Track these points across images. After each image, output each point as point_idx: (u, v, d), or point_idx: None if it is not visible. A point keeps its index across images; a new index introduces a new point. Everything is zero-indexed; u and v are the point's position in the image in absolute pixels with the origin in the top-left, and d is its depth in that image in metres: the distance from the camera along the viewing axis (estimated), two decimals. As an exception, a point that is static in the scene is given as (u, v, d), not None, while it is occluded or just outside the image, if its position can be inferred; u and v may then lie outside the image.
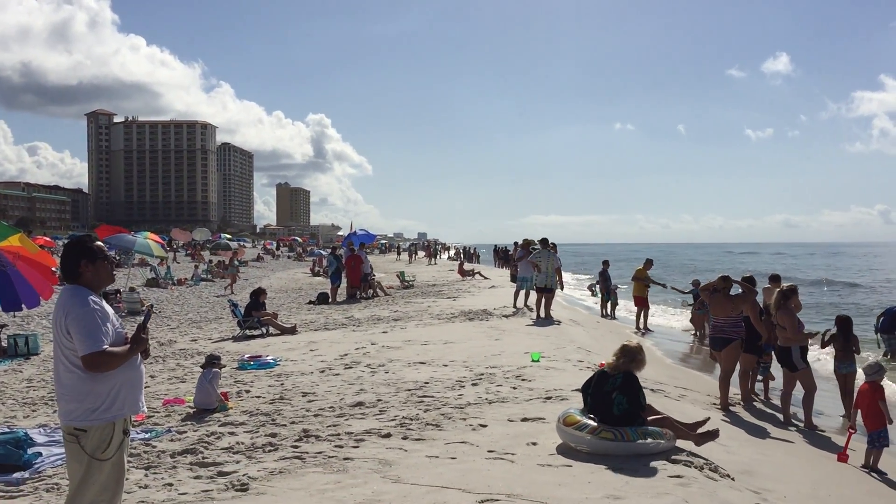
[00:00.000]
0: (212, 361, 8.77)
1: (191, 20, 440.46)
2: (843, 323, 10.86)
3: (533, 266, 17.36)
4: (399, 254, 74.66)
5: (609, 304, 23.07)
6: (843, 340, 10.73)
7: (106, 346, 3.87)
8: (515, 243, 24.95)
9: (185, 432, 7.41)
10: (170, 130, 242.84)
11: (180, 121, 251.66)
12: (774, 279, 12.03)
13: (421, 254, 70.26)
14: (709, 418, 6.90)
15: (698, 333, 19.20)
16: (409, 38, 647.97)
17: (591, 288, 33.25)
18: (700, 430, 6.62)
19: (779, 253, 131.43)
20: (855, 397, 8.49)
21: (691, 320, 20.05)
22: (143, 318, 4.20)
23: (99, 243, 4.21)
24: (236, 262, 34.18)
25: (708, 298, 10.17)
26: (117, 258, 37.50)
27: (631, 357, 6.56)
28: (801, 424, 9.44)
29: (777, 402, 10.75)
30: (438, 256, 65.32)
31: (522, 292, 18.79)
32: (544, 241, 17.64)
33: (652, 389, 9.61)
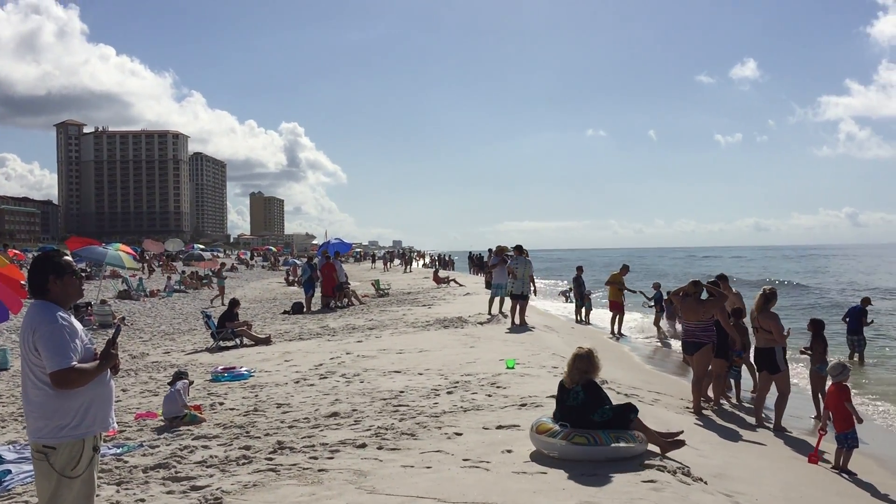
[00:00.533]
0: (179, 376, 8.78)
1: (162, 29, 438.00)
2: (817, 325, 11.17)
3: (510, 273, 17.42)
4: (374, 262, 74.55)
5: (584, 310, 23.18)
6: (820, 342, 11.03)
7: (75, 363, 3.83)
8: (490, 250, 25.02)
9: (158, 446, 7.34)
10: (141, 140, 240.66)
11: (151, 130, 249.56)
12: (722, 279, 12.17)
13: (396, 262, 70.21)
14: (682, 431, 6.93)
15: (658, 335, 19.72)
16: (382, 47, 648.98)
17: (564, 294, 33.40)
18: (668, 438, 6.67)
19: (737, 256, 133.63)
20: (824, 399, 8.64)
21: (655, 322, 20.49)
22: (112, 333, 4.16)
23: (67, 258, 4.17)
24: (223, 275, 33.82)
25: (679, 303, 10.28)
26: (88, 270, 37.10)
27: (584, 365, 6.60)
28: (772, 426, 9.55)
29: (748, 404, 10.89)
30: (413, 264, 65.26)
31: (497, 299, 18.83)
32: (519, 248, 17.72)
33: (626, 394, 9.69)
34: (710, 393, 10.53)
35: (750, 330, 10.93)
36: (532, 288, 17.43)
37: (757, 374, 10.06)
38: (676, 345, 18.14)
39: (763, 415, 9.89)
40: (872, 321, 16.38)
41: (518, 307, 16.76)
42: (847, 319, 16.17)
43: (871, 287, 42.32)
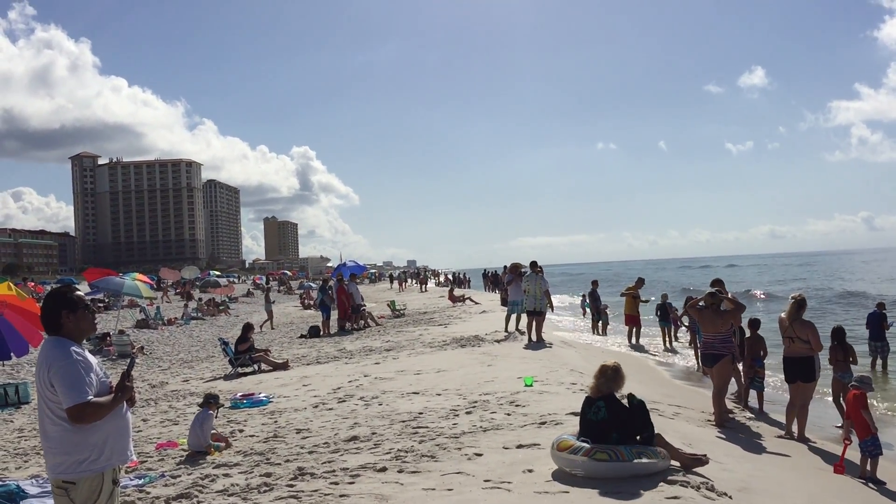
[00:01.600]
0: (208, 401, 8.76)
1: (172, 59, 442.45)
2: (839, 333, 11.10)
3: (522, 290, 17.40)
4: (392, 282, 74.52)
5: (600, 324, 23.08)
6: (842, 351, 10.95)
7: (90, 397, 3.84)
8: (505, 267, 24.99)
9: (179, 476, 7.34)
10: (155, 170, 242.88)
11: (165, 160, 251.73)
12: (717, 284, 12.05)
13: (411, 281, 70.19)
14: (705, 455, 6.77)
15: (667, 345, 19.79)
16: (390, 67, 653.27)
17: (582, 306, 33.26)
18: (690, 455, 6.58)
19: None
20: (847, 407, 8.54)
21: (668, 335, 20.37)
22: (127, 365, 4.17)
23: (79, 293, 4.19)
24: (271, 299, 34.03)
25: (697, 315, 10.19)
26: (106, 300, 37.36)
27: (609, 377, 6.59)
28: (795, 437, 9.43)
29: (773, 415, 10.78)
30: (429, 283, 65.23)
31: (514, 316, 18.78)
32: (533, 264, 17.68)
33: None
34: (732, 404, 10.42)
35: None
36: (548, 303, 17.35)
37: (789, 384, 9.84)
38: (686, 355, 18.05)
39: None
40: (893, 324, 16.17)
41: (534, 323, 16.71)
42: (868, 326, 16.00)
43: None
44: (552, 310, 17.56)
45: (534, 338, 16.56)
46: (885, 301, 17.50)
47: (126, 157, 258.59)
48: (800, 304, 9.53)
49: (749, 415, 10.91)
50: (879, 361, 15.67)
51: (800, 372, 9.44)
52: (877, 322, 15.74)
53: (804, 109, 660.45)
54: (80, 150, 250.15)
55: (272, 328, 29.25)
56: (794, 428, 9.53)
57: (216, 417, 8.92)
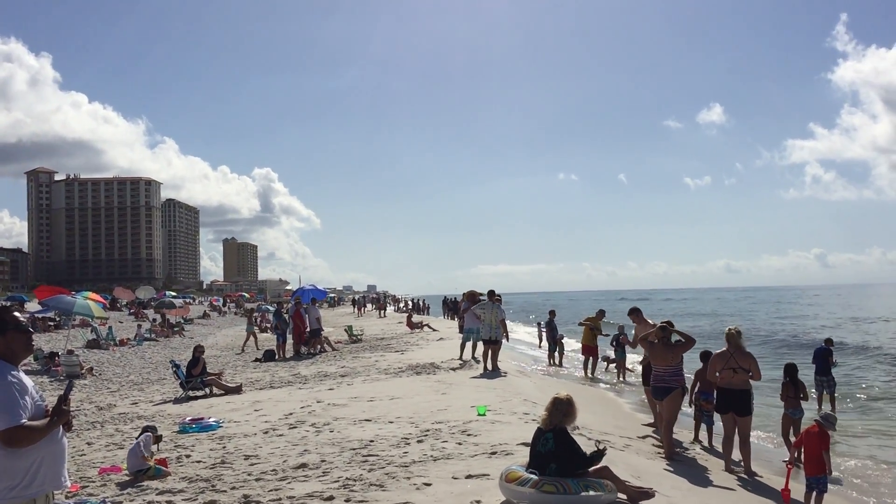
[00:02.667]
0: (146, 430, 8.66)
1: (134, 77, 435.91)
2: (791, 369, 11.29)
3: (476, 318, 17.43)
4: (354, 307, 74.04)
5: (556, 354, 23.17)
6: (793, 387, 11.13)
7: (24, 421, 3.75)
8: (464, 294, 25.01)
9: (121, 502, 7.18)
10: (113, 187, 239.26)
11: (124, 177, 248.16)
12: (634, 312, 12.19)
13: (370, 306, 69.88)
14: (652, 489, 6.81)
15: (620, 377, 19.89)
16: (356, 93, 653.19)
17: (539, 335, 33.37)
18: (637, 488, 6.62)
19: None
20: (800, 436, 8.57)
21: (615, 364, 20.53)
22: (65, 388, 4.08)
23: (16, 313, 4.09)
24: (255, 320, 33.39)
25: (647, 348, 10.30)
26: (57, 319, 36.51)
27: (562, 410, 6.60)
28: (742, 471, 9.50)
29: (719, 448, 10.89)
30: (388, 308, 64.98)
31: (469, 344, 18.80)
32: (490, 293, 17.74)
33: (597, 440, 9.66)
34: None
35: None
36: (504, 333, 17.38)
37: (722, 415, 9.87)
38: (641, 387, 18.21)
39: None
40: (836, 363, 16.48)
41: (490, 352, 16.72)
42: (815, 361, 16.26)
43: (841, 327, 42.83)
44: (507, 339, 17.58)
45: (489, 367, 16.56)
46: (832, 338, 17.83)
47: (84, 173, 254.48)
48: (738, 335, 9.54)
49: (699, 448, 11.03)
50: (826, 396, 15.95)
51: (736, 404, 9.38)
52: (823, 357, 16.03)
53: (760, 147, 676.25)
54: (37, 166, 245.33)
55: (257, 348, 28.73)
56: (736, 461, 9.57)
57: (158, 450, 8.76)
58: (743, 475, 9.33)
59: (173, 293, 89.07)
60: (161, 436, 9.43)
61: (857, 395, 17.93)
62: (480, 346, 17.66)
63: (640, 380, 16.89)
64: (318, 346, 24.79)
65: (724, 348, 9.58)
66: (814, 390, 15.79)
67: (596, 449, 6.63)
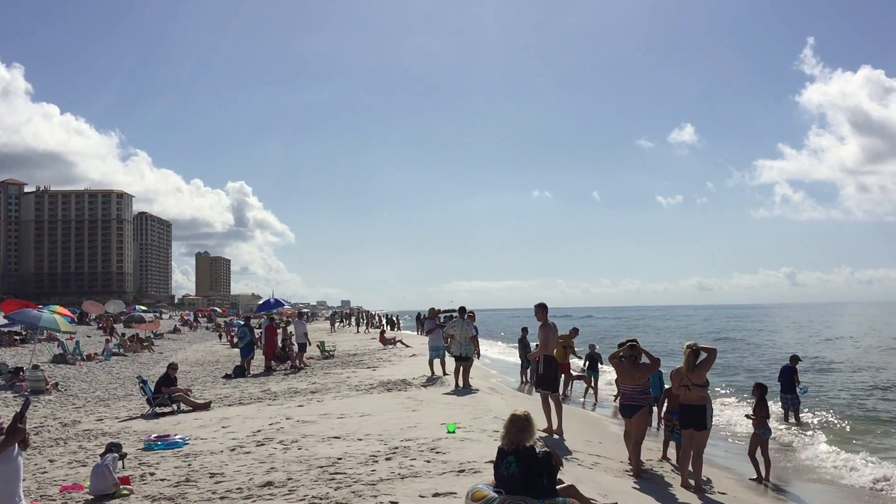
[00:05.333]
0: (111, 448, 8.46)
1: (107, 89, 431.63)
2: (761, 389, 11.44)
3: (447, 336, 17.51)
4: (342, 322, 73.52)
5: (528, 371, 23.18)
6: (763, 407, 11.27)
7: (-23, 440, 3.69)
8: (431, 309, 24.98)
9: (81, 521, 7.05)
10: (84, 200, 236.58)
11: (95, 190, 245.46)
12: (541, 307, 12.22)
13: (346, 322, 69.56)
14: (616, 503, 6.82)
15: (593, 395, 19.99)
16: (332, 108, 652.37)
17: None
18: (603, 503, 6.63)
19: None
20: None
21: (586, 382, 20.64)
22: (21, 406, 4.02)
23: None
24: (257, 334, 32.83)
25: (616, 367, 10.34)
26: (23, 333, 35.92)
27: (519, 427, 6.56)
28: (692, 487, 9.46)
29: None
30: (363, 325, 64.71)
31: (437, 361, 18.84)
32: (462, 310, 17.75)
33: (566, 458, 9.67)
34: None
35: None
36: (475, 349, 17.38)
37: (682, 430, 9.89)
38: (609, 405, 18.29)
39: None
40: (802, 387, 16.63)
41: (462, 369, 16.71)
42: (780, 379, 16.46)
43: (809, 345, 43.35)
44: (478, 356, 17.59)
45: (461, 383, 16.55)
46: (798, 355, 18.04)
47: (55, 185, 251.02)
48: (697, 353, 9.56)
49: (668, 466, 11.07)
50: (791, 414, 16.14)
51: (692, 420, 9.45)
52: (788, 375, 16.22)
53: (731, 167, 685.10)
54: (7, 177, 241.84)
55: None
56: (691, 477, 9.58)
57: (122, 468, 8.61)
58: (692, 491, 9.28)
59: (143, 307, 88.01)
60: (126, 453, 9.29)
61: (823, 413, 18.12)
62: (452, 361, 17.67)
63: (613, 397, 17.02)
64: (288, 362, 24.61)
65: (681, 365, 9.65)
66: (780, 408, 15.99)
67: (546, 450, 6.63)
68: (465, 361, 16.76)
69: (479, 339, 17.67)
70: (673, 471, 10.73)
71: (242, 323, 27.60)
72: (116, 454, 8.38)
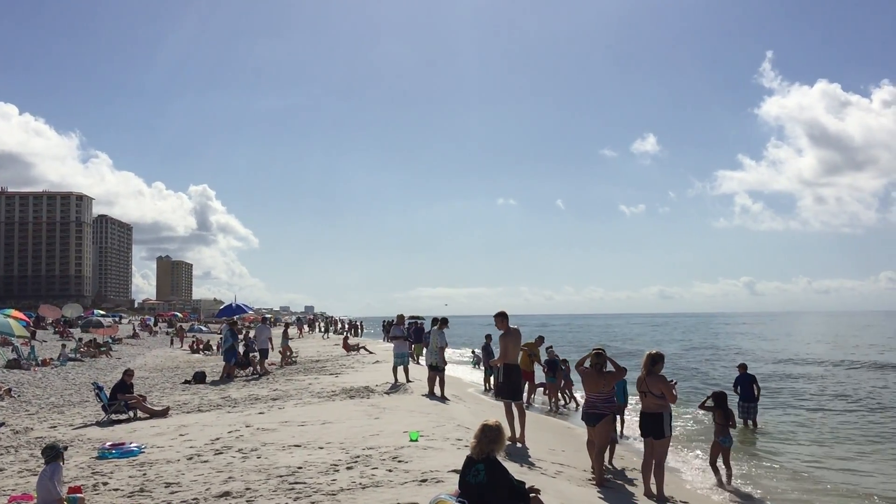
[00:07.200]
0: (53, 455, 7.93)
1: (68, 89, 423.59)
2: (719, 397, 11.51)
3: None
4: (312, 329, 72.85)
5: (492, 379, 23.13)
6: (722, 414, 11.33)
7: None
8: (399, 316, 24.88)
9: (29, 533, 6.80)
10: (42, 202, 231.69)
11: (54, 192, 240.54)
12: (501, 316, 12.18)
13: (305, 328, 68.98)
14: None
15: (553, 402, 19.95)
16: (297, 113, 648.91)
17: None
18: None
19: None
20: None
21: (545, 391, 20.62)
22: None
23: None
24: (290, 335, 32.15)
25: (581, 374, 10.31)
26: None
27: (491, 437, 6.48)
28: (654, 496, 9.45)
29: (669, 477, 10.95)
30: (323, 329, 64.24)
31: (401, 367, 18.75)
32: (435, 320, 17.62)
33: (529, 466, 9.63)
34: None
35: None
36: (442, 359, 17.22)
37: (644, 439, 9.88)
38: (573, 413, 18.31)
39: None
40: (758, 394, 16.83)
41: (437, 378, 16.65)
42: (738, 388, 16.57)
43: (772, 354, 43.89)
44: (444, 364, 17.50)
45: (433, 391, 16.53)
46: (747, 363, 18.25)
47: (13, 187, 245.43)
48: (654, 359, 9.52)
49: (637, 475, 11.04)
50: (750, 423, 16.28)
51: (649, 428, 9.44)
52: (749, 384, 16.37)
53: (692, 177, 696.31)
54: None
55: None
56: (653, 486, 9.58)
57: (62, 462, 8.18)
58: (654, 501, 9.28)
59: (102, 312, 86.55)
60: (66, 447, 8.88)
61: (780, 422, 18.31)
62: (414, 368, 17.58)
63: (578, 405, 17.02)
64: (250, 368, 24.28)
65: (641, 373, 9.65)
66: (738, 416, 16.12)
67: (524, 485, 6.53)
68: (437, 371, 16.66)
69: (445, 350, 17.42)
70: (636, 479, 10.72)
71: (224, 328, 26.92)
72: (60, 465, 7.96)
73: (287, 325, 35.28)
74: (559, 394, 20.32)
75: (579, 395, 20.99)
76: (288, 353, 29.29)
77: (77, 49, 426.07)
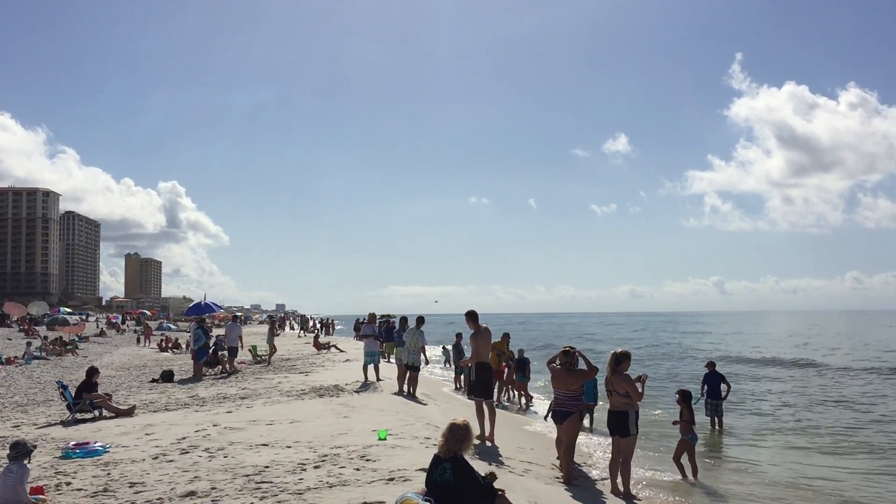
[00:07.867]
0: (18, 453, 7.79)
1: (34, 83, 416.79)
2: (685, 396, 11.62)
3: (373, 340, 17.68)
4: (293, 328, 72.44)
5: (462, 378, 23.15)
6: (689, 412, 11.45)
7: None
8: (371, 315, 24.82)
9: (-12, 535, 6.69)
10: (7, 197, 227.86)
11: (19, 188, 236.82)
12: (471, 316, 12.28)
13: (287, 328, 68.68)
14: None
15: (521, 402, 20.10)
16: (266, 110, 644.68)
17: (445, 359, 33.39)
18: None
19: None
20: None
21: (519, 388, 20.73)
22: None
23: None
24: (277, 332, 31.64)
25: (551, 371, 10.37)
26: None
27: (458, 436, 6.51)
28: (621, 493, 9.51)
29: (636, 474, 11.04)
30: (299, 327, 63.98)
31: (371, 366, 18.72)
32: (412, 319, 17.58)
33: (497, 464, 9.64)
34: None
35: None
36: (424, 359, 17.18)
37: (611, 437, 9.93)
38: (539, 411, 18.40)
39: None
40: (696, 397, 16.98)
41: (409, 377, 16.64)
42: (705, 386, 16.71)
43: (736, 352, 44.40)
44: (426, 363, 17.54)
45: (407, 391, 16.54)
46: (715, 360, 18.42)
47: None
48: (618, 358, 9.60)
49: (604, 473, 11.11)
50: (716, 422, 16.45)
51: (614, 426, 9.52)
52: (716, 382, 16.52)
53: (663, 177, 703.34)
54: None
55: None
56: (620, 484, 9.66)
57: (28, 461, 8.02)
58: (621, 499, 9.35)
59: (68, 309, 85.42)
60: (35, 446, 8.74)
61: (747, 419, 18.54)
62: (385, 368, 17.55)
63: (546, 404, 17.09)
64: (219, 367, 24.09)
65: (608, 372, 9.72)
66: (705, 414, 16.29)
67: (486, 475, 6.56)
68: (413, 370, 16.63)
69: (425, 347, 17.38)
70: (602, 477, 10.80)
71: (193, 326, 26.60)
72: (26, 462, 7.84)
73: (273, 323, 35.09)
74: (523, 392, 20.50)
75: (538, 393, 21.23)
76: (273, 351, 29.14)
77: (44, 43, 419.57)
